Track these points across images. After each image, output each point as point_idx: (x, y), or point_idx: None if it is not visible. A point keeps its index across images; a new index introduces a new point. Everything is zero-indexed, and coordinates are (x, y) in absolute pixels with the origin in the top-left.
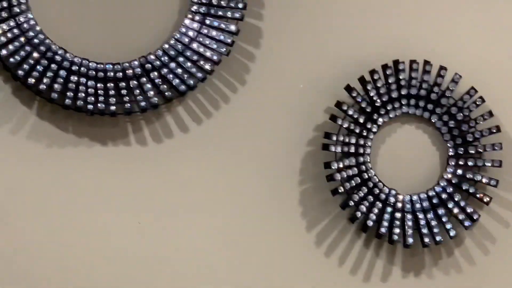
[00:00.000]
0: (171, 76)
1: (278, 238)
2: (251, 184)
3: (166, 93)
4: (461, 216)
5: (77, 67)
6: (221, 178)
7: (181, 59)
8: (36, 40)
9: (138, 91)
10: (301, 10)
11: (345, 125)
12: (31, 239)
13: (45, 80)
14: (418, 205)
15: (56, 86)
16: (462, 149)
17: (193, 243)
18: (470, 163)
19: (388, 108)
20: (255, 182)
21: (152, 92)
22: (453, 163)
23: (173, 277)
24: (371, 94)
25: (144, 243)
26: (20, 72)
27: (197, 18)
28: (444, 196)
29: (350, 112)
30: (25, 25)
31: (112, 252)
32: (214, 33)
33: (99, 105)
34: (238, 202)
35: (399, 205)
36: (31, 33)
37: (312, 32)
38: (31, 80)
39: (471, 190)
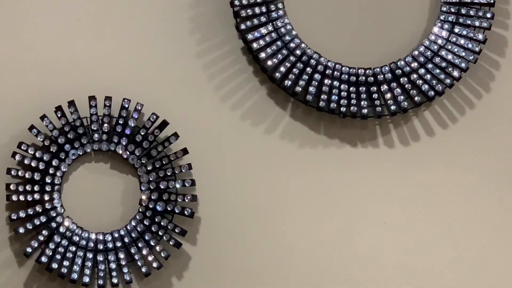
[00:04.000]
0: (420, 81)
1: None
2: (492, 188)
3: (415, 98)
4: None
5: (331, 71)
6: (463, 182)
7: (430, 65)
8: (292, 44)
9: (388, 95)
10: None
11: None
12: (284, 234)
13: (300, 83)
14: None
15: (310, 88)
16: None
17: (435, 244)
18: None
19: None
20: (496, 187)
21: (402, 97)
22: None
23: (424, 279)
24: None
25: (389, 243)
26: (277, 75)
27: (446, 26)
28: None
29: None
30: (282, 30)
31: (358, 250)
32: (462, 41)
33: (351, 108)
34: (477, 205)
35: None
36: (287, 37)
37: None
38: (287, 83)
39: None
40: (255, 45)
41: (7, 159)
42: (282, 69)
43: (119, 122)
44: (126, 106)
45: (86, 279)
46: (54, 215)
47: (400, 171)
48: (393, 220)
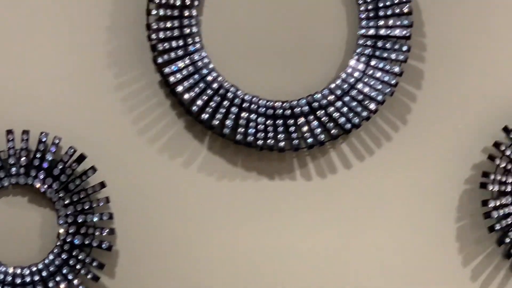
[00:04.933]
0: (337, 114)
1: (434, 273)
2: (409, 220)
3: (332, 131)
4: None
5: (248, 104)
6: (381, 214)
7: (347, 98)
8: (209, 78)
9: (305, 128)
10: (462, 53)
11: (503, 165)
12: (201, 267)
13: (217, 116)
14: None
15: (228, 122)
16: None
17: (353, 277)
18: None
19: None
20: (413, 218)
21: (318, 130)
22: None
23: None
24: None
25: (308, 274)
26: (194, 108)
27: (362, 59)
28: None
29: (508, 153)
30: (199, 63)
31: (275, 284)
32: (378, 74)
33: (268, 141)
34: (396, 237)
35: None
36: (205, 71)
37: (471, 74)
38: (204, 116)
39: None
40: (172, 78)
41: None
42: (199, 102)
43: (37, 156)
44: (44, 139)
45: None
46: None
47: (317, 204)
48: (311, 253)
